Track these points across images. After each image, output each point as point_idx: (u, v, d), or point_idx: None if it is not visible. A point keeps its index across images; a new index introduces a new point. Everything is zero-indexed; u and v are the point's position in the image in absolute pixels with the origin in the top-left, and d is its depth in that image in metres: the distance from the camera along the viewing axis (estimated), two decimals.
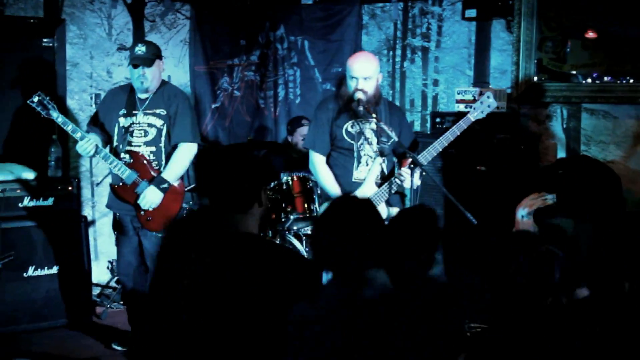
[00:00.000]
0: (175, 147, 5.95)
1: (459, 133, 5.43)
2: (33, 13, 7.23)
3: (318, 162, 5.69)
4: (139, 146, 5.89)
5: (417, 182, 5.30)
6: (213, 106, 8.36)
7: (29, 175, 6.56)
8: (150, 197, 5.77)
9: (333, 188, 5.57)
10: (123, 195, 5.85)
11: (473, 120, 5.49)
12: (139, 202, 5.78)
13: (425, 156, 5.37)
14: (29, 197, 6.45)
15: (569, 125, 6.61)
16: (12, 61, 7.10)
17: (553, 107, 6.69)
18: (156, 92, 5.97)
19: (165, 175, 5.83)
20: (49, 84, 7.29)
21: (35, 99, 5.73)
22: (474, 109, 5.53)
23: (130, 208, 5.88)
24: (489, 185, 6.15)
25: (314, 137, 5.72)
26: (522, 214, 5.67)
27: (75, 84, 7.53)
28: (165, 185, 5.80)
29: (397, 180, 5.41)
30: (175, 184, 5.92)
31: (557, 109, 6.66)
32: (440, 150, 5.41)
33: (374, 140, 5.53)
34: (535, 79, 6.76)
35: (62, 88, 7.42)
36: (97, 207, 7.61)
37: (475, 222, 4.99)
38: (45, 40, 7.32)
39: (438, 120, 6.76)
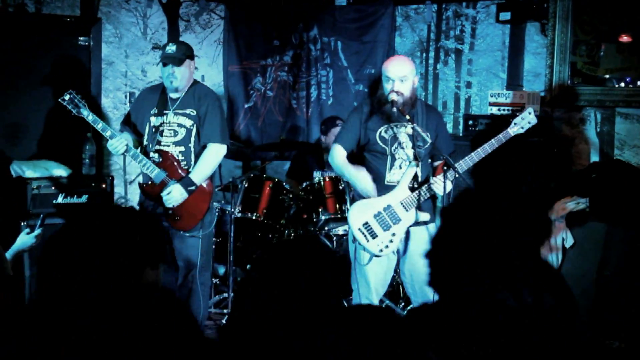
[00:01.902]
0: (204, 148, 5.97)
1: (497, 145, 5.40)
2: (70, 12, 7.31)
3: (337, 153, 5.64)
4: (168, 146, 5.91)
5: (450, 186, 5.29)
6: (246, 106, 8.39)
7: (64, 172, 6.61)
8: (175, 195, 5.77)
9: (352, 170, 5.56)
10: (152, 194, 5.87)
11: (512, 135, 5.44)
12: (162, 195, 5.79)
13: (462, 166, 5.34)
14: (63, 194, 6.49)
15: (602, 129, 6.59)
16: (48, 59, 7.17)
17: (587, 111, 6.67)
18: (187, 92, 5.98)
19: (193, 176, 5.84)
20: (84, 82, 7.36)
21: (67, 96, 5.77)
22: (515, 123, 5.47)
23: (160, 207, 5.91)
24: (521, 189, 6.13)
25: (341, 133, 5.74)
26: (555, 217, 5.67)
27: (110, 82, 7.60)
28: (193, 187, 5.81)
29: (430, 186, 5.39)
30: (204, 184, 5.93)
31: (591, 113, 6.64)
32: (477, 160, 5.37)
33: (409, 144, 5.50)
34: (569, 82, 6.73)
35: (97, 86, 7.49)
36: (129, 205, 7.65)
37: None
38: (81, 38, 7.39)
39: (471, 122, 6.75)
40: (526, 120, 5.48)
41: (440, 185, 5.29)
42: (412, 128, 5.39)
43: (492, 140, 5.40)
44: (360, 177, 5.48)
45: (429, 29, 7.95)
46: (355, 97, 8.24)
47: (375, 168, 5.55)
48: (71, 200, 6.53)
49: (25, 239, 5.01)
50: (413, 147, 5.47)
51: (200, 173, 5.87)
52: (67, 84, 5.95)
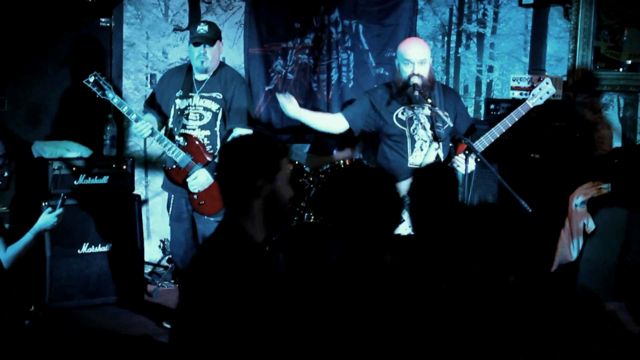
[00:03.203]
0: (230, 132, 5.95)
1: (517, 119, 5.38)
2: None
3: (329, 114, 5.89)
4: (194, 129, 5.90)
5: (472, 167, 5.27)
6: (266, 88, 8.37)
7: (85, 153, 6.64)
8: (201, 180, 5.77)
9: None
10: (176, 178, 5.87)
11: (531, 106, 5.43)
12: (187, 180, 5.79)
13: (483, 142, 5.33)
14: (83, 175, 6.52)
15: (625, 114, 6.54)
16: (69, 40, 7.18)
17: (609, 96, 6.62)
18: (213, 74, 5.97)
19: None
20: (105, 63, 7.37)
21: (91, 78, 5.75)
22: (533, 95, 5.47)
23: (184, 191, 5.89)
24: (543, 174, 6.10)
25: (349, 106, 5.83)
26: (576, 202, 5.64)
27: (131, 64, 7.60)
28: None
29: (453, 166, 5.37)
30: None
31: (614, 98, 6.59)
32: (498, 136, 5.36)
33: (428, 125, 5.48)
34: (592, 67, 6.69)
35: (118, 68, 7.49)
36: (150, 186, 7.67)
37: (530, 210, 4.96)
38: (102, 20, 7.39)
39: (492, 106, 6.71)
40: (544, 90, 5.47)
41: (462, 165, 5.28)
42: (430, 109, 5.37)
43: (512, 114, 5.39)
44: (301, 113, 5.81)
45: (451, 12, 7.91)
46: (376, 80, 8.20)
47: (397, 151, 5.52)
48: (92, 181, 6.56)
49: (46, 219, 5.04)
50: (432, 128, 5.44)
51: None
52: (88, 65, 5.96)
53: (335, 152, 7.25)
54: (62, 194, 5.29)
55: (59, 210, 5.10)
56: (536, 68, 7.15)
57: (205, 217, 5.91)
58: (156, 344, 5.92)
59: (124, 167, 6.72)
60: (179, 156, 5.77)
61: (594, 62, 6.70)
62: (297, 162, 6.85)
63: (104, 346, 5.84)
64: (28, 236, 4.97)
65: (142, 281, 6.97)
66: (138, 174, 7.38)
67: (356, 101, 5.79)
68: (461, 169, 5.32)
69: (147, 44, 7.68)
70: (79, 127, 7.12)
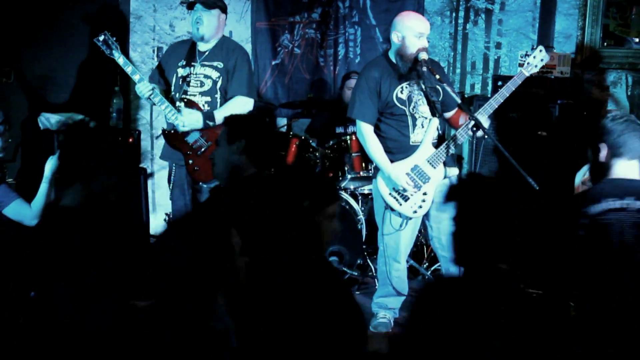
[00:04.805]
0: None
1: (513, 89, 5.37)
2: None
3: (368, 133, 5.46)
4: (195, 95, 5.92)
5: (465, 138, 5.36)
6: (273, 63, 8.35)
7: (91, 125, 6.63)
8: (191, 117, 5.79)
9: (383, 158, 5.43)
10: (174, 141, 5.87)
11: (527, 75, 5.45)
12: (177, 115, 5.81)
13: (482, 113, 5.32)
14: None
15: (633, 92, 6.53)
16: (76, 13, 7.15)
17: (617, 74, 6.60)
18: (215, 44, 5.98)
19: (216, 113, 5.82)
20: (113, 35, 7.34)
21: (101, 37, 5.87)
22: (528, 63, 5.50)
23: (181, 157, 5.91)
24: (550, 151, 6.09)
25: (361, 107, 5.48)
26: (582, 180, 5.63)
27: (138, 36, 7.59)
28: (211, 123, 5.78)
29: (454, 140, 5.35)
30: None
31: (622, 76, 6.58)
32: (496, 107, 5.35)
33: (425, 100, 5.44)
34: (601, 44, 6.66)
35: (125, 40, 7.47)
36: (156, 159, 7.67)
37: (537, 188, 4.96)
38: None
39: (500, 83, 6.69)
40: (538, 58, 5.51)
41: (464, 137, 5.29)
42: (423, 83, 5.36)
43: (508, 83, 5.40)
44: (390, 169, 5.41)
45: None
46: None
47: (398, 130, 5.45)
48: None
49: (52, 163, 5.05)
50: (429, 103, 5.41)
51: (223, 113, 5.77)
52: (95, 37, 5.96)
53: (337, 128, 7.24)
54: (55, 135, 5.32)
55: (58, 152, 5.13)
56: (544, 45, 7.10)
57: (200, 184, 5.91)
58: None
59: (130, 140, 6.72)
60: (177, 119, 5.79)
61: (603, 40, 6.67)
62: (303, 137, 6.85)
63: (109, 318, 5.84)
64: (43, 186, 4.98)
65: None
66: (144, 147, 7.38)
67: (365, 97, 5.48)
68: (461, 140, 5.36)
69: (154, 16, 7.66)
70: (86, 99, 7.11)
